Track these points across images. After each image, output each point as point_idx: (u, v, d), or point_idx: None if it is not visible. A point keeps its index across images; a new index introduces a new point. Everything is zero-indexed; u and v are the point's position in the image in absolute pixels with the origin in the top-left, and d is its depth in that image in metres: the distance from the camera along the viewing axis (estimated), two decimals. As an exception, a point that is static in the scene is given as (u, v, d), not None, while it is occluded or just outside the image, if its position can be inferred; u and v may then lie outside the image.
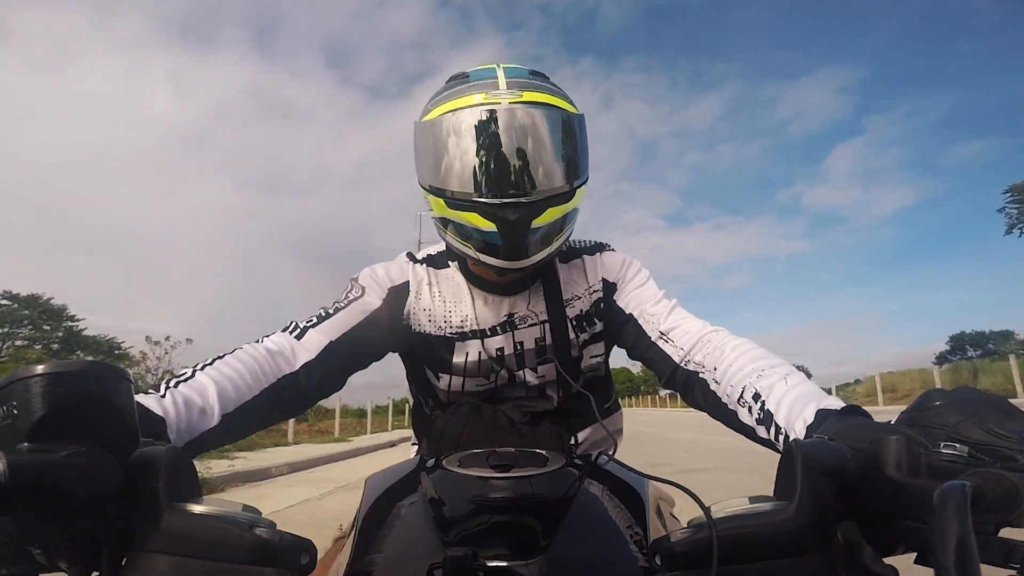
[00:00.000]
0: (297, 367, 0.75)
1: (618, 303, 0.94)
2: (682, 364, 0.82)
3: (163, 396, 0.58)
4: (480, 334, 0.91)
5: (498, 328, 0.92)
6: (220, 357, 0.69)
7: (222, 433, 0.64)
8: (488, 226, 0.76)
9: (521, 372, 0.94)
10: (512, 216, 0.75)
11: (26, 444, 0.34)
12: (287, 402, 0.74)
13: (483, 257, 0.80)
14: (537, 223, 0.77)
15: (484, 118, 0.75)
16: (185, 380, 0.63)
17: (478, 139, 0.75)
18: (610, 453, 1.07)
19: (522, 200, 0.75)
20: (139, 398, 0.55)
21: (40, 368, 0.35)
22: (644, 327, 0.89)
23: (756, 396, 0.68)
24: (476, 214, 0.76)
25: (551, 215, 0.77)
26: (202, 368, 0.66)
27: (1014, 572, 0.31)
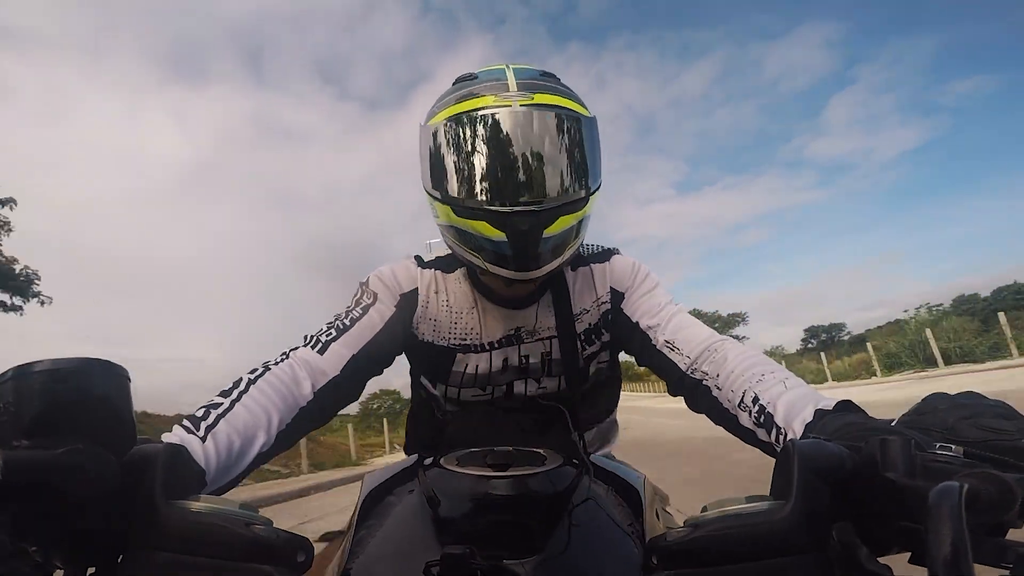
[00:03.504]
0: (323, 384, 0.74)
1: (625, 312, 0.92)
2: (688, 372, 0.81)
3: (205, 440, 0.55)
4: (484, 347, 0.90)
5: (503, 341, 0.90)
6: (252, 380, 0.66)
7: (252, 466, 0.63)
8: (498, 235, 0.73)
9: (523, 384, 0.93)
10: (523, 225, 0.71)
11: (23, 441, 0.34)
12: (312, 421, 0.73)
13: (492, 267, 0.76)
14: (549, 232, 0.73)
15: (494, 121, 0.72)
16: (224, 415, 0.60)
17: (488, 144, 0.72)
18: (609, 451, 1.07)
19: (534, 208, 0.71)
20: (183, 438, 0.54)
21: (38, 365, 0.35)
22: (650, 335, 0.88)
23: (755, 400, 0.68)
24: (485, 223, 0.73)
25: (563, 224, 0.74)
26: (238, 397, 0.63)
27: (1007, 572, 0.31)
